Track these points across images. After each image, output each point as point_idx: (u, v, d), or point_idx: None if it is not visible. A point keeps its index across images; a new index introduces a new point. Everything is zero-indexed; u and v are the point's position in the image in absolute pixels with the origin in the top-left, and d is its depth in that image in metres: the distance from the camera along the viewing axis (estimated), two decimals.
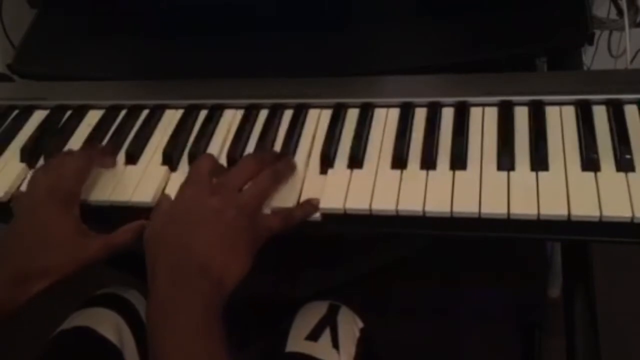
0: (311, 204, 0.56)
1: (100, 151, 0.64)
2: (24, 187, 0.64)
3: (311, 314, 0.71)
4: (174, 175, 0.63)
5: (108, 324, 0.71)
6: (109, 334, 0.70)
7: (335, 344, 0.67)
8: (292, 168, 0.59)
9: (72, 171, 0.59)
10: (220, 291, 0.50)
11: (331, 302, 0.73)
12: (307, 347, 0.66)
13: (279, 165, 0.58)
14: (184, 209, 0.54)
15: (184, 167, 0.63)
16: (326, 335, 0.67)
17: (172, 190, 0.60)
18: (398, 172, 0.57)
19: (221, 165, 0.61)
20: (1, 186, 0.64)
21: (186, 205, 0.54)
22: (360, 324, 0.72)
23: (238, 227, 0.52)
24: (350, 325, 0.70)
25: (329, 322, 0.69)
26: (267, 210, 0.56)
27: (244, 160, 0.59)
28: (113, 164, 0.64)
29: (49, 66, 0.82)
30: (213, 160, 0.59)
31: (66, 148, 0.68)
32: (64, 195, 0.57)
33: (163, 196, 0.60)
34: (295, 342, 0.67)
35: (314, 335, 0.67)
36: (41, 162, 0.67)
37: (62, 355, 0.69)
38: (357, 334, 0.70)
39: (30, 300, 0.54)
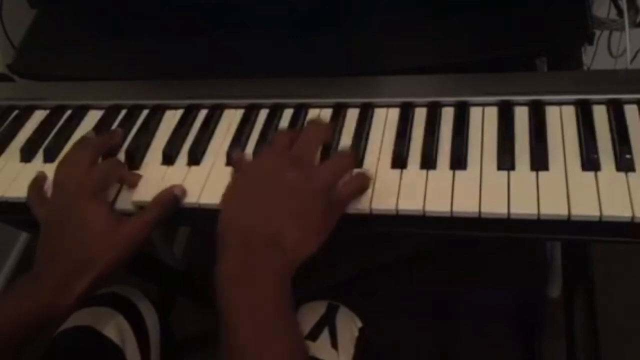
0: (365, 175, 0.56)
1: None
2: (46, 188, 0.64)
3: (310, 314, 0.71)
4: (173, 174, 0.63)
5: (109, 323, 0.71)
6: (111, 333, 0.70)
7: (334, 344, 0.67)
8: (354, 158, 0.58)
9: (101, 169, 0.59)
10: (289, 263, 0.50)
11: (330, 302, 0.73)
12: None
13: (347, 154, 0.58)
14: (263, 179, 0.54)
15: (183, 167, 0.63)
16: (325, 335, 0.67)
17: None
18: (398, 171, 0.57)
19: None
20: (1, 186, 0.65)
21: (265, 175, 0.54)
22: (359, 324, 0.72)
23: (314, 204, 0.52)
24: (349, 325, 0.70)
25: (327, 321, 0.69)
26: None
27: (310, 129, 0.58)
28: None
29: (49, 66, 0.82)
30: (293, 135, 0.58)
31: (66, 148, 0.68)
32: (93, 190, 0.58)
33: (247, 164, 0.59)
34: None
35: (312, 335, 0.67)
36: (40, 161, 0.67)
37: (63, 355, 0.69)
38: (356, 334, 0.70)
39: (79, 298, 0.55)
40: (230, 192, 0.55)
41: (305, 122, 0.65)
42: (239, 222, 0.52)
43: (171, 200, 0.58)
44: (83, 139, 0.64)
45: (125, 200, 0.61)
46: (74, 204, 0.57)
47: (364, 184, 0.55)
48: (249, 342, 0.46)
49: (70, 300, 0.54)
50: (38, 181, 0.63)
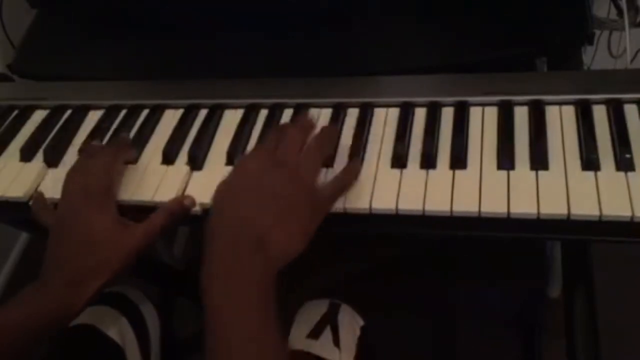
0: (354, 167, 0.57)
1: (122, 144, 0.65)
2: (43, 188, 0.64)
3: (312, 313, 0.71)
4: (172, 173, 0.63)
5: (110, 323, 0.71)
6: (112, 333, 0.70)
7: (337, 342, 0.67)
8: (335, 133, 0.60)
9: (100, 170, 0.59)
10: (273, 265, 0.50)
11: (331, 301, 0.73)
12: (308, 345, 0.66)
13: (323, 133, 0.58)
14: (247, 183, 0.54)
15: (183, 167, 0.63)
16: (327, 334, 0.68)
17: (170, 189, 0.60)
18: (398, 171, 0.57)
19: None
20: (1, 186, 0.64)
21: (249, 179, 0.54)
22: (361, 322, 0.72)
23: (298, 205, 0.52)
24: (350, 324, 0.71)
25: (329, 320, 0.69)
26: None
27: (288, 132, 0.57)
28: (134, 155, 0.65)
29: (49, 66, 0.82)
30: (280, 137, 0.58)
31: (66, 148, 0.68)
32: (99, 194, 0.58)
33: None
34: (297, 340, 0.67)
35: (315, 334, 0.68)
36: (40, 161, 0.67)
37: (64, 353, 0.69)
38: (358, 332, 0.70)
39: (87, 302, 0.55)
40: (217, 196, 0.54)
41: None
42: (225, 227, 0.51)
43: (179, 210, 0.58)
44: (92, 147, 0.64)
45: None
46: (82, 211, 0.57)
47: (347, 180, 0.56)
48: (224, 343, 0.46)
49: (79, 303, 0.55)
50: (39, 198, 0.63)
